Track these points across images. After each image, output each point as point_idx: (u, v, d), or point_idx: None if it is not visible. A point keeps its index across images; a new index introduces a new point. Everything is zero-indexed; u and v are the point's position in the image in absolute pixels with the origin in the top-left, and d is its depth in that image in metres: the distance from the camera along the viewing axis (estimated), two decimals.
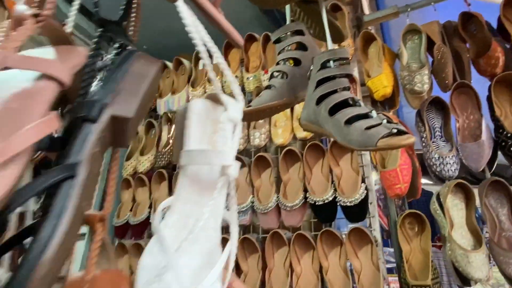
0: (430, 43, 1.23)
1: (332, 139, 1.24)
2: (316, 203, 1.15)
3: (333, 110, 0.57)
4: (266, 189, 1.32)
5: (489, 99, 1.09)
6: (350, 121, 0.53)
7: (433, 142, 1.14)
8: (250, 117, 0.68)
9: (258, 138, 1.39)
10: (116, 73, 0.29)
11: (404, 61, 1.23)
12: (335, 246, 1.14)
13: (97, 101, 0.26)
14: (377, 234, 1.11)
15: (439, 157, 1.09)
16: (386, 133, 0.45)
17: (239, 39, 0.47)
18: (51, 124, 0.22)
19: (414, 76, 1.16)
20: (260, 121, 1.45)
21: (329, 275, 1.10)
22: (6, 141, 0.19)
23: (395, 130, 0.45)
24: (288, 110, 1.39)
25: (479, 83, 1.13)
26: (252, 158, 1.38)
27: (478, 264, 0.93)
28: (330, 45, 0.66)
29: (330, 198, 1.14)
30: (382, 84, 1.22)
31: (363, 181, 1.14)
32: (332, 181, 1.19)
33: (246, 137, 1.42)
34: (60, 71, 0.24)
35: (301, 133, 1.29)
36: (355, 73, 1.27)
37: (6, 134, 0.19)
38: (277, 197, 1.25)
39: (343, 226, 1.26)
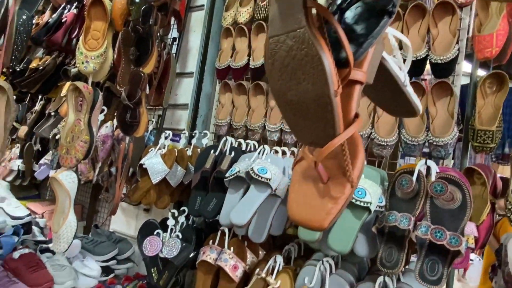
0: None
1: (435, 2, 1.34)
2: None
3: None
4: None
5: None
6: None
7: None
8: None
9: None
10: None
11: None
12: (416, 93, 1.37)
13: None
14: (457, 90, 1.31)
15: None
16: None
17: None
18: None
19: None
20: None
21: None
22: None
23: None
24: None
25: None
26: None
27: None
28: None
29: (423, 55, 1.31)
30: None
31: (457, 42, 1.28)
32: (428, 41, 1.34)
33: None
34: None
35: None
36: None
37: None
38: None
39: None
